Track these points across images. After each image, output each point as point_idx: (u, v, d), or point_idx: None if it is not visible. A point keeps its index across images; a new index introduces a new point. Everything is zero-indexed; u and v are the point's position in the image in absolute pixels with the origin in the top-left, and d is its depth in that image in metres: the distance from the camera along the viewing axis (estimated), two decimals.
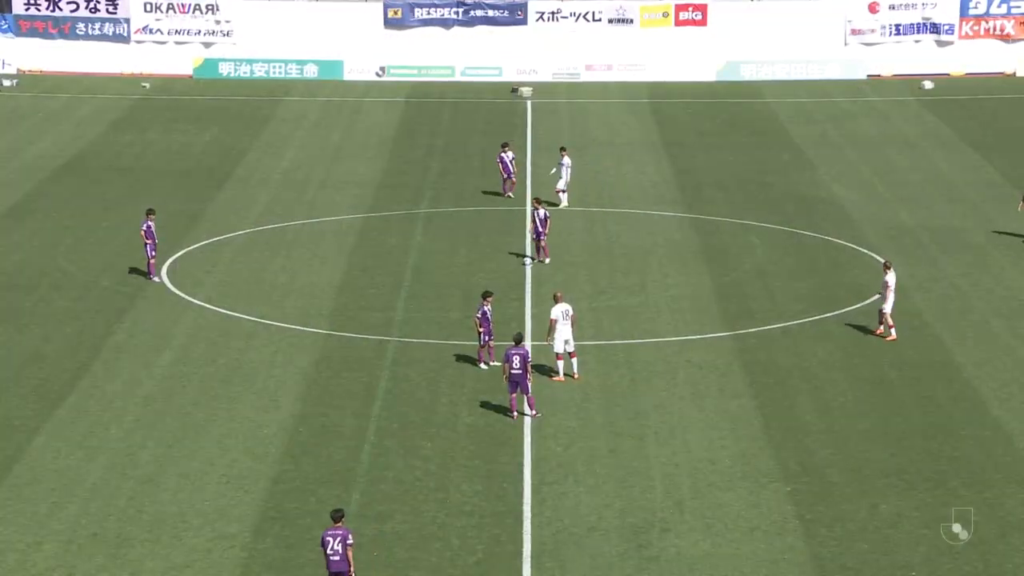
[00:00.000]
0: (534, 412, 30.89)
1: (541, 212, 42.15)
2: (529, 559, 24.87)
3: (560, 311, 33.08)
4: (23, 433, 29.69)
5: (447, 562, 24.83)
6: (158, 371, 33.39)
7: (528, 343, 35.10)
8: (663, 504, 26.95)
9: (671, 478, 28.05)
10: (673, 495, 27.29)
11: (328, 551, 22.60)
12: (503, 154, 50.20)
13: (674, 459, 28.93)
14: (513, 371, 30.52)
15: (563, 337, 32.98)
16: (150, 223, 39.56)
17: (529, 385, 30.78)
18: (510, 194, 49.92)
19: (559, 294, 34.22)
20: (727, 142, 59.79)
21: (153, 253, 39.68)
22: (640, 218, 48.13)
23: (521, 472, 28.29)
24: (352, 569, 22.75)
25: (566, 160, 49.12)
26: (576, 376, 33.10)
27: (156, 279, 39.56)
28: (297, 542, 25.39)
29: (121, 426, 30.24)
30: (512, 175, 49.94)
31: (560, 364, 33.11)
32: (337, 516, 22.96)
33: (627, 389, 32.68)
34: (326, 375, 33.33)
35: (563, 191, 48.75)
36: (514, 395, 30.82)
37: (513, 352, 30.70)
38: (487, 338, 33.63)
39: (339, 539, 22.50)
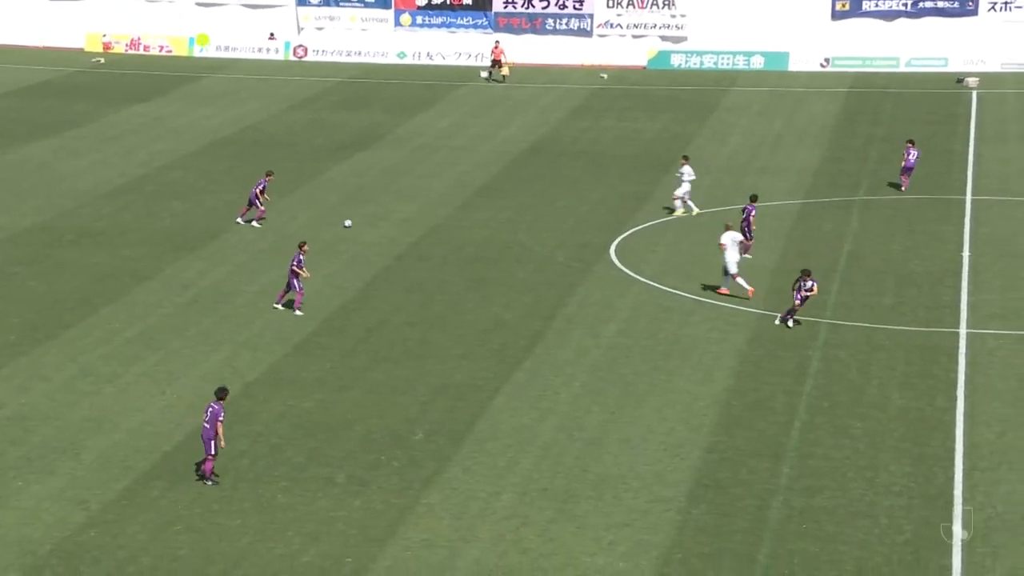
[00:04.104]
0: None
1: None
2: (960, 543, 23.86)
3: (729, 238, 36.50)
4: (485, 392, 31.03)
5: (875, 539, 24.18)
6: (604, 341, 34.11)
7: (963, 330, 33.80)
8: None
9: None
10: None
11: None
12: (909, 149, 47.58)
13: None
14: None
15: (733, 259, 36.24)
16: (301, 256, 35.82)
17: None
18: (902, 188, 47.40)
19: (729, 223, 37.73)
20: None
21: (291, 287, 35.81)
22: None
23: (952, 456, 27.17)
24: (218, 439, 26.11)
25: (686, 170, 45.42)
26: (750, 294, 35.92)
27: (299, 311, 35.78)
28: (730, 510, 25.37)
29: (570, 391, 31.11)
30: (908, 171, 47.28)
31: (737, 281, 36.24)
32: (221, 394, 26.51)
33: None
34: (759, 352, 33.10)
35: (681, 198, 45.06)
36: None
37: None
38: None
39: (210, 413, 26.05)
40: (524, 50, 73.77)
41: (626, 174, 51.22)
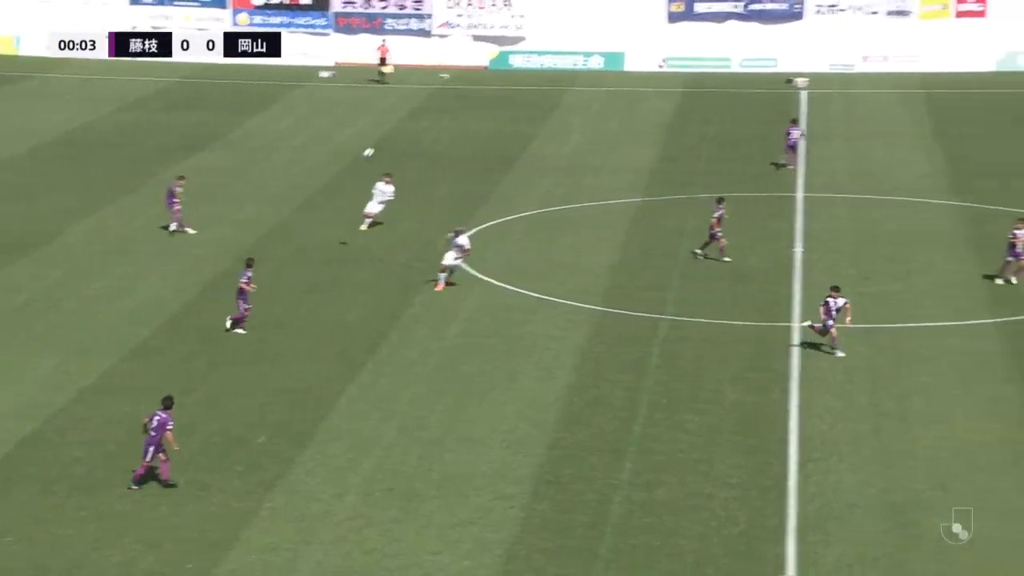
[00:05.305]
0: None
1: None
2: (793, 532, 24.51)
3: (464, 239, 37.77)
4: (328, 394, 30.83)
5: (712, 531, 24.69)
6: (447, 341, 34.19)
7: (795, 324, 34.73)
8: (927, 485, 26.15)
9: (935, 460, 27.19)
10: (937, 477, 26.44)
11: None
12: (791, 128, 51.41)
13: (938, 442, 28.03)
14: None
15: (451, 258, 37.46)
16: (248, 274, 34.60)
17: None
18: (788, 165, 50.76)
19: (461, 229, 38.30)
20: (1003, 132, 57.34)
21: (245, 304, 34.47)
22: (910, 206, 46.68)
23: (785, 448, 27.89)
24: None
25: (384, 186, 43.96)
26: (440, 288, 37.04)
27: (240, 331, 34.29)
28: (572, 506, 25.65)
29: (413, 391, 31.10)
30: (791, 149, 51.01)
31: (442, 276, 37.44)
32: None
33: (891, 372, 31.82)
34: (599, 350, 33.53)
35: (371, 215, 43.49)
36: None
37: None
38: None
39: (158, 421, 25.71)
40: (363, 50, 73.50)
41: (466, 174, 51.42)
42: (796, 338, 34.00)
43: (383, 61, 69.47)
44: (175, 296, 37.03)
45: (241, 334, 34.25)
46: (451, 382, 31.54)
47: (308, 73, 70.73)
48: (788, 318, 35.53)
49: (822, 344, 32.87)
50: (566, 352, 33.27)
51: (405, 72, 71.59)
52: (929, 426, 28.80)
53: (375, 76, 69.18)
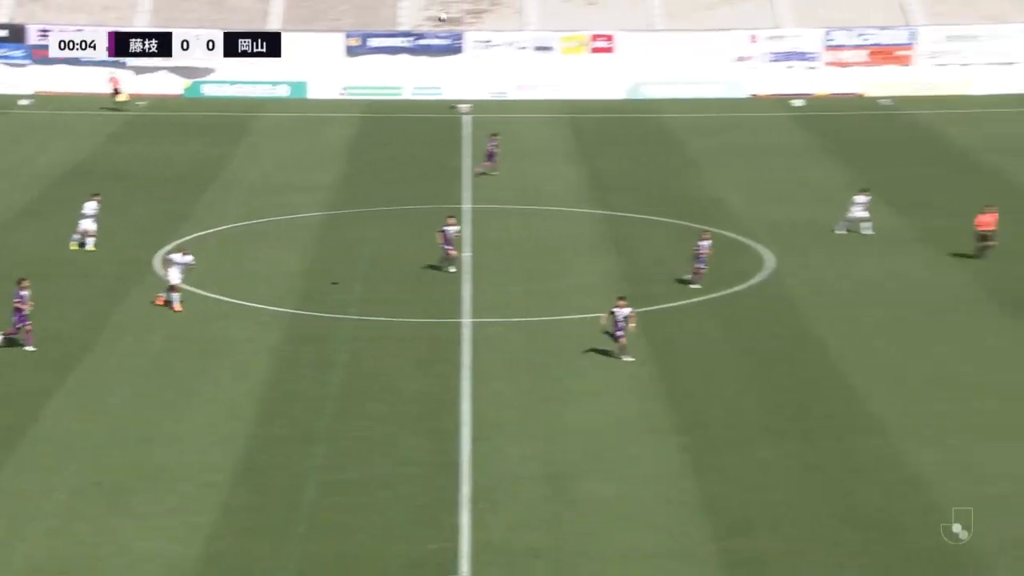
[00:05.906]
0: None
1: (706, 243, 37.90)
2: (466, 502, 25.12)
3: (179, 257, 36.23)
4: (39, 398, 29.57)
5: (397, 505, 25.04)
6: (152, 346, 33.30)
7: (466, 320, 35.49)
8: (580, 456, 27.29)
9: (587, 434, 28.38)
10: (590, 448, 27.62)
11: None
12: (492, 139, 53.97)
13: (590, 417, 29.27)
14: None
15: (173, 279, 35.69)
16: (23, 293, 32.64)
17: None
18: (491, 173, 53.05)
19: (185, 249, 37.00)
20: (632, 151, 60.26)
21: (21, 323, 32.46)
22: (562, 214, 48.48)
23: (460, 430, 28.53)
24: None
25: (95, 204, 41.90)
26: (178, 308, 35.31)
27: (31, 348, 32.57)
28: (270, 490, 25.51)
29: (121, 393, 30.18)
30: (492, 159, 53.47)
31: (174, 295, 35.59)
32: None
33: (549, 359, 32.98)
34: (290, 348, 33.38)
35: (89, 232, 41.44)
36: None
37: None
38: None
39: None
40: (65, 80, 70.55)
41: (166, 194, 50.09)
42: (467, 332, 34.78)
43: (116, 91, 67.01)
44: None
45: (30, 350, 32.39)
46: (156, 384, 30.75)
47: (7, 101, 67.27)
48: (461, 315, 36.30)
49: (611, 351, 32.38)
50: (260, 352, 32.97)
51: (101, 99, 69.01)
52: (582, 404, 30.03)
53: (108, 105, 66.75)
